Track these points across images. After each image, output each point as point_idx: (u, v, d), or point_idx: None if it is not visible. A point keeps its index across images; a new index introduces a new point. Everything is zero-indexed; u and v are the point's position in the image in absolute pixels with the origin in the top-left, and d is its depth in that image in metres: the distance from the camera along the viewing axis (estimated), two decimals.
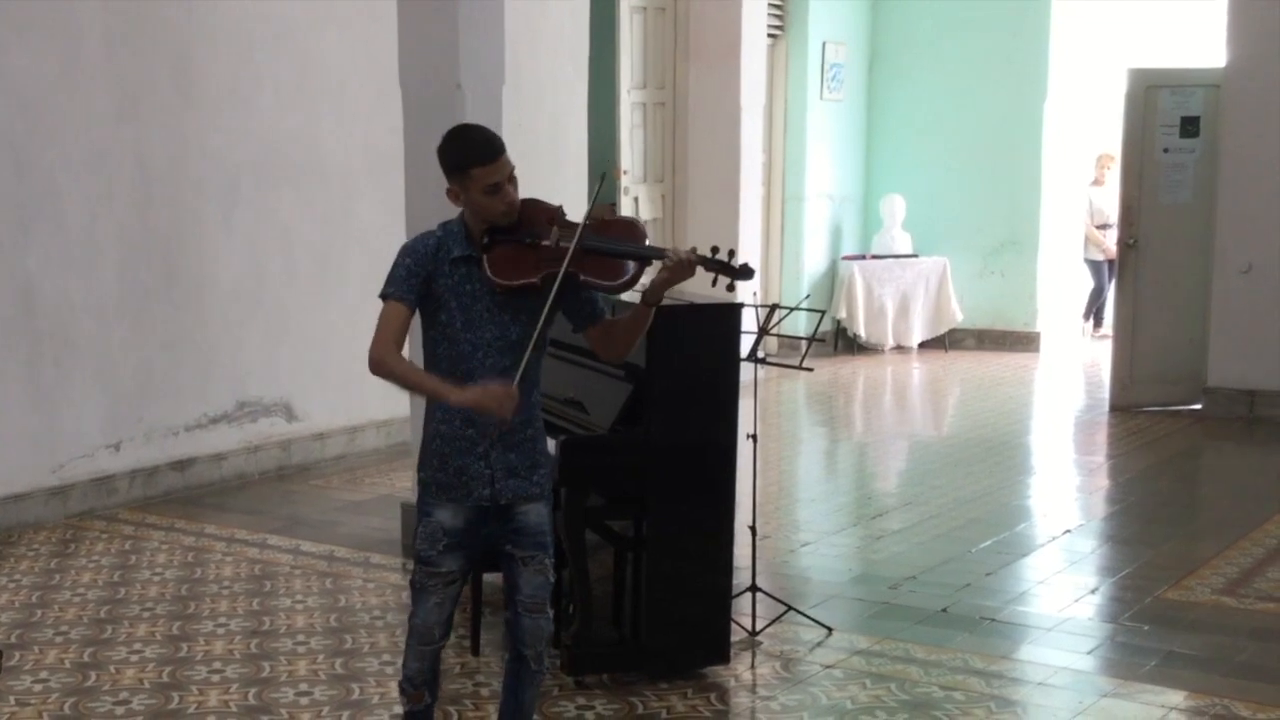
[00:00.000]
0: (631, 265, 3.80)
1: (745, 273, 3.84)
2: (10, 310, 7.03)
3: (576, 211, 3.86)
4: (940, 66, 13.36)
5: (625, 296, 4.15)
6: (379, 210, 8.42)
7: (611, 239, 3.81)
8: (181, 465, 7.85)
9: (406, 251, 3.77)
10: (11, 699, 4.85)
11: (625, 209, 11.26)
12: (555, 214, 3.82)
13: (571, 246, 3.70)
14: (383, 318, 3.71)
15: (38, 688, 4.96)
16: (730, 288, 3.87)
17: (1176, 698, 4.90)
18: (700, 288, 4.32)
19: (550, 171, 9.26)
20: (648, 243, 3.90)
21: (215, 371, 8.03)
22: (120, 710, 4.75)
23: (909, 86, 13.55)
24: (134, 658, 5.27)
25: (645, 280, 3.89)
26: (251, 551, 6.75)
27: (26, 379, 7.11)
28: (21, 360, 7.09)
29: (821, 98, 13.09)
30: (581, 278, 3.75)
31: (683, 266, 3.76)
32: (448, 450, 3.79)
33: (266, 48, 8.15)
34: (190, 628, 5.62)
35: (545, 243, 3.74)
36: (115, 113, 7.42)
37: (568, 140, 9.77)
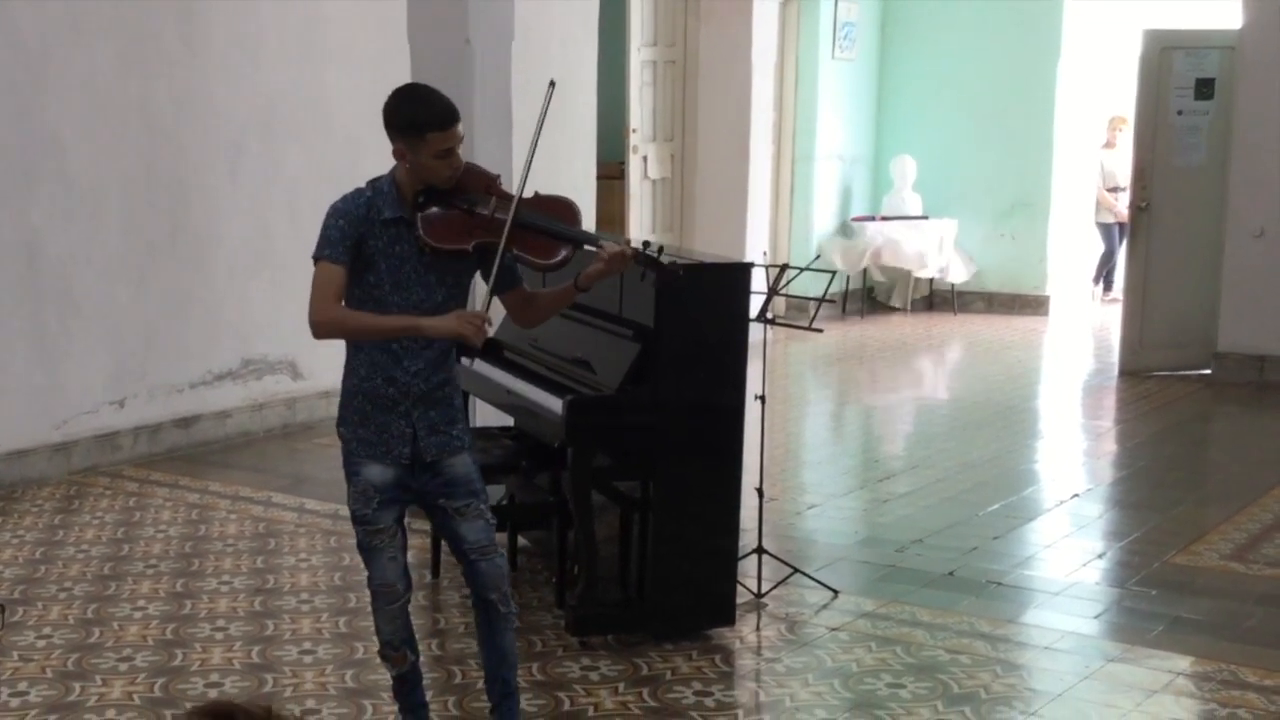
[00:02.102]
0: (564, 248, 3.80)
1: (674, 272, 3.93)
2: (14, 265, 6.99)
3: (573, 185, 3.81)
4: (953, 27, 13.23)
5: None
6: (386, 166, 8.27)
7: (547, 217, 3.81)
8: (186, 422, 7.83)
9: (338, 213, 3.74)
10: (15, 654, 4.84)
11: (634, 168, 11.21)
12: (492, 182, 3.83)
13: (508, 221, 3.71)
14: (318, 279, 3.70)
15: (41, 643, 4.96)
16: (656, 285, 3.94)
17: (1183, 663, 4.88)
18: (704, 244, 4.29)
19: (558, 129, 9.17)
20: (582, 226, 3.94)
21: (220, 328, 8.00)
22: (123, 667, 4.74)
23: (921, 46, 13.43)
24: (137, 614, 5.26)
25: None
26: (256, 509, 6.73)
27: (30, 334, 7.08)
28: (25, 316, 7.06)
29: (833, 57, 12.97)
30: (515, 251, 3.76)
31: (619, 259, 3.81)
32: (369, 407, 3.80)
33: (273, 1, 8.07)
34: (194, 585, 5.61)
35: (481, 210, 3.74)
36: (119, 67, 7.36)
37: (576, 98, 9.69)
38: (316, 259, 3.72)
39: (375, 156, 8.58)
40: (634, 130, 11.15)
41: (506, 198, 3.76)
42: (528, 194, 3.80)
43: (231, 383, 8.09)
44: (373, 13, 8.36)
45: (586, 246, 3.86)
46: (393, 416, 3.79)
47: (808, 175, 13.01)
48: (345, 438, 3.87)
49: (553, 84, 3.85)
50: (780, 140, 12.74)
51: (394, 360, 3.78)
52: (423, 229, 3.71)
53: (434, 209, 3.73)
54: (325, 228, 3.73)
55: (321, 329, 3.71)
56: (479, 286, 3.93)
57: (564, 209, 3.89)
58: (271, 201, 8.20)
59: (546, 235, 3.79)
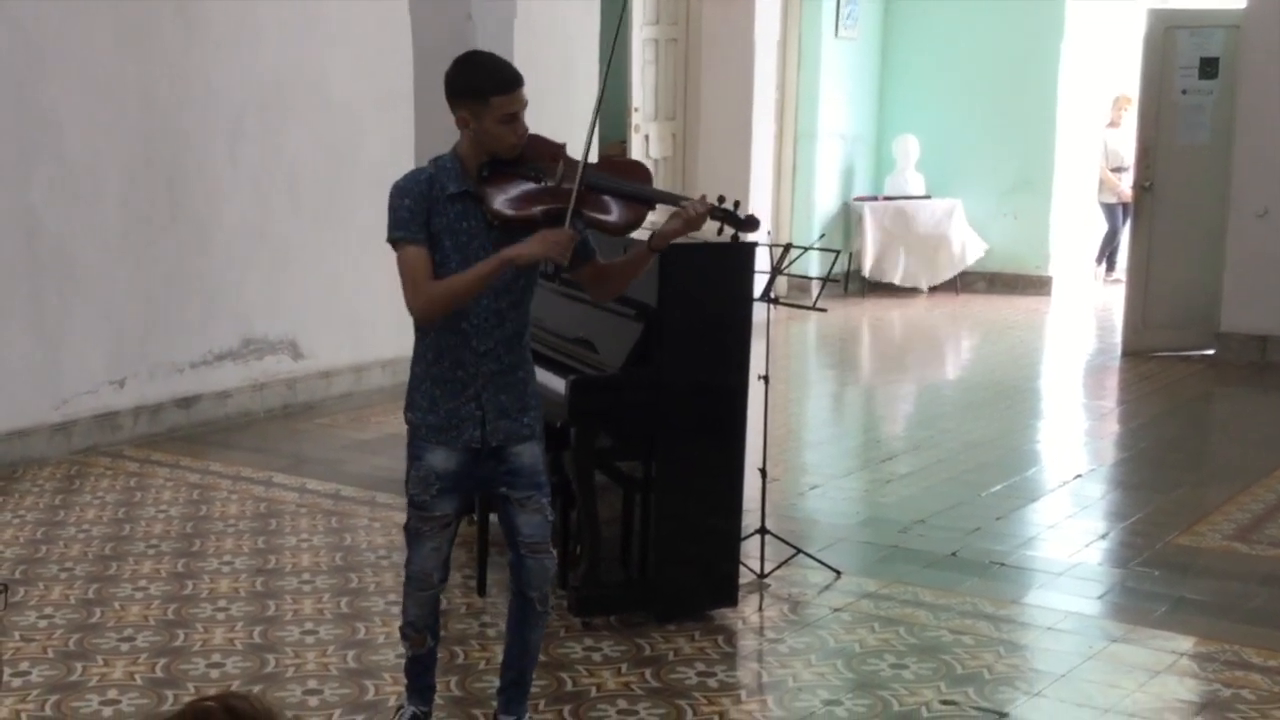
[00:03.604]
0: (638, 208, 3.73)
1: (752, 224, 3.81)
2: (13, 245, 6.96)
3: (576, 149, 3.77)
4: (956, 5, 13.16)
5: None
6: (387, 145, 8.31)
7: (618, 178, 3.74)
8: (186, 402, 7.81)
9: (403, 192, 3.67)
10: (16, 634, 4.83)
11: (635, 146, 11.17)
12: (559, 150, 3.74)
13: (576, 182, 3.61)
14: (405, 264, 3.63)
15: (42, 623, 4.95)
16: (735, 238, 3.84)
17: (1186, 643, 4.87)
18: (708, 226, 4.25)
19: (561, 106, 9.14)
20: (655, 186, 3.83)
21: (220, 308, 7.97)
22: (125, 647, 4.73)
23: (924, 25, 13.36)
24: (138, 595, 5.25)
25: (649, 223, 3.83)
26: (257, 490, 6.72)
27: (30, 314, 7.06)
28: (25, 295, 7.03)
29: (836, 36, 12.91)
30: (589, 214, 3.68)
31: (697, 217, 3.70)
32: (438, 393, 3.74)
33: None
34: (195, 565, 5.60)
35: (548, 178, 3.66)
36: (118, 45, 7.32)
37: (578, 75, 9.64)
38: (394, 242, 3.64)
39: (376, 135, 8.65)
40: (636, 109, 11.11)
41: (574, 163, 3.67)
42: (595, 160, 3.72)
43: (232, 363, 8.07)
44: None
45: (661, 205, 3.76)
46: (461, 400, 3.72)
47: (810, 154, 12.96)
48: (413, 423, 3.79)
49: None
50: (782, 119, 12.69)
51: (463, 341, 3.70)
52: (490, 200, 3.63)
53: (500, 179, 3.65)
54: (393, 209, 3.65)
55: (423, 313, 3.64)
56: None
57: (635, 169, 3.81)
58: (271, 180, 8.17)
59: (619, 196, 3.70)
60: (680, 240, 4.53)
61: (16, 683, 4.43)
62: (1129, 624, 5.04)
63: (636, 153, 11.17)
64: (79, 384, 7.29)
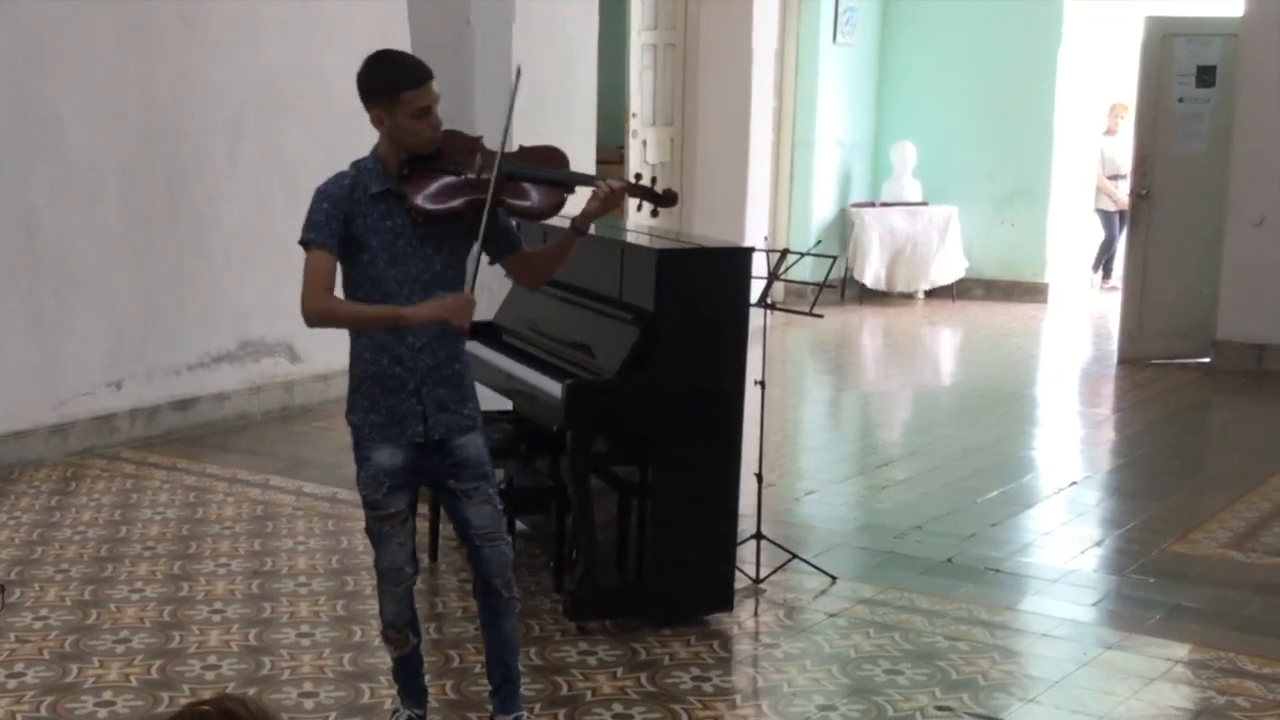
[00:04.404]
0: (557, 192, 3.77)
1: (669, 199, 3.88)
2: (12, 245, 6.97)
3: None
4: (954, 12, 13.18)
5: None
6: None
7: (536, 165, 3.78)
8: (183, 404, 7.81)
9: (322, 195, 3.72)
10: (12, 635, 4.83)
11: (633, 152, 11.18)
12: (476, 143, 3.80)
13: (494, 171, 3.66)
14: (309, 267, 3.69)
15: (38, 625, 4.95)
16: (654, 214, 3.92)
17: (1181, 651, 4.87)
18: (703, 229, 4.26)
19: (559, 111, 9.16)
20: (571, 169, 3.88)
21: (218, 310, 7.97)
22: (120, 649, 4.73)
23: (922, 32, 13.39)
24: (135, 596, 5.25)
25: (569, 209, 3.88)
26: (253, 492, 6.72)
27: (28, 315, 7.06)
28: (23, 296, 7.04)
29: (834, 42, 12.93)
30: (510, 201, 3.73)
31: (614, 195, 3.77)
32: (378, 391, 3.78)
33: None
34: (191, 568, 5.60)
35: (467, 170, 3.71)
36: (119, 44, 7.33)
37: (576, 81, 9.65)
38: (304, 244, 3.71)
39: (375, 136, 8.60)
40: (634, 114, 11.12)
41: (492, 155, 3.72)
42: (511, 150, 3.76)
43: (229, 365, 8.07)
44: None
45: (579, 186, 3.81)
46: (402, 397, 3.76)
47: (807, 161, 12.98)
48: (355, 424, 3.84)
49: (519, 70, 3.79)
50: (780, 125, 12.70)
51: (398, 338, 3.75)
52: (411, 197, 3.67)
53: (420, 176, 3.70)
54: (310, 212, 3.72)
55: (312, 318, 3.71)
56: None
57: (551, 155, 3.86)
58: (271, 181, 8.17)
59: (536, 182, 3.76)
60: (676, 245, 4.56)
61: (12, 684, 4.44)
62: (1124, 631, 5.05)
63: (634, 158, 11.18)
64: (76, 385, 7.29)
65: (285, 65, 8.15)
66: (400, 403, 3.77)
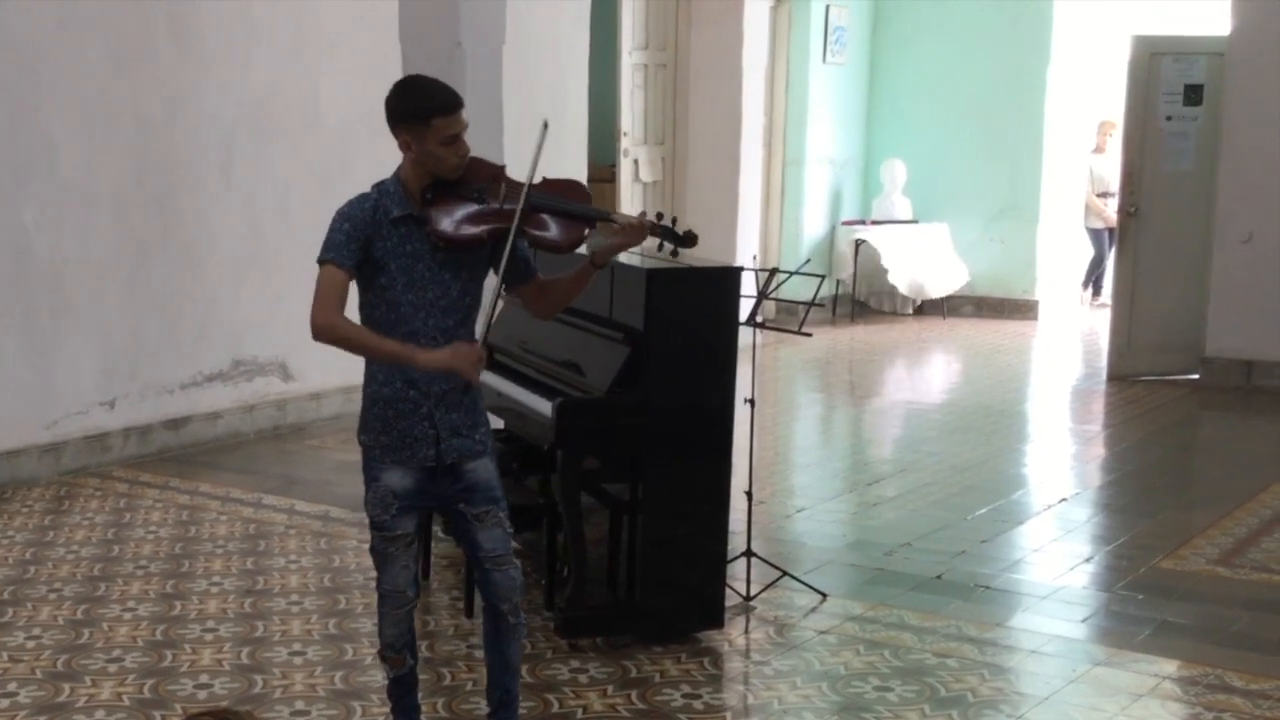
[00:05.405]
0: (580, 226, 3.79)
1: (690, 240, 3.90)
2: (5, 265, 6.99)
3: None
4: (944, 31, 13.26)
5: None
6: (377, 167, 8.17)
7: (558, 197, 3.80)
8: (176, 424, 7.82)
9: (344, 216, 3.71)
10: (4, 654, 4.85)
11: (625, 171, 11.23)
12: (500, 171, 3.81)
13: (520, 203, 3.67)
14: (321, 282, 3.66)
15: (30, 644, 4.96)
16: (674, 254, 3.93)
17: (1169, 667, 4.90)
18: (696, 250, 4.29)
19: (551, 131, 9.19)
20: (593, 204, 3.91)
21: (211, 329, 8.00)
22: (113, 668, 4.74)
23: (912, 51, 13.46)
24: (127, 615, 5.26)
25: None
26: (246, 511, 6.74)
27: (21, 334, 7.08)
28: (16, 315, 7.05)
29: (824, 61, 13.00)
30: (533, 233, 3.74)
31: (635, 230, 3.78)
32: (390, 413, 3.77)
33: (264, 0, 8.07)
34: (184, 586, 5.61)
35: (491, 199, 3.71)
36: (111, 66, 7.36)
37: (568, 101, 9.70)
38: (320, 262, 3.68)
39: (367, 157, 8.64)
40: (625, 134, 11.16)
41: (516, 185, 3.73)
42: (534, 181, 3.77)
43: (222, 384, 8.08)
44: (364, 13, 8.37)
45: (600, 222, 3.82)
46: (414, 420, 3.75)
47: (798, 179, 13.03)
48: (366, 445, 3.83)
49: (545, 124, 3.78)
50: (771, 144, 12.77)
51: None
52: (435, 222, 3.67)
53: (443, 202, 3.70)
54: (330, 231, 3.69)
55: (320, 333, 3.68)
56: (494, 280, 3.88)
57: (574, 189, 3.87)
58: (262, 202, 8.20)
59: (560, 216, 3.76)
60: (666, 265, 4.59)
61: (4, 704, 4.45)
62: (1113, 647, 5.08)
63: (625, 177, 11.23)
64: (69, 404, 7.30)
65: (277, 87, 8.18)
66: (412, 426, 3.76)
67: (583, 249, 3.90)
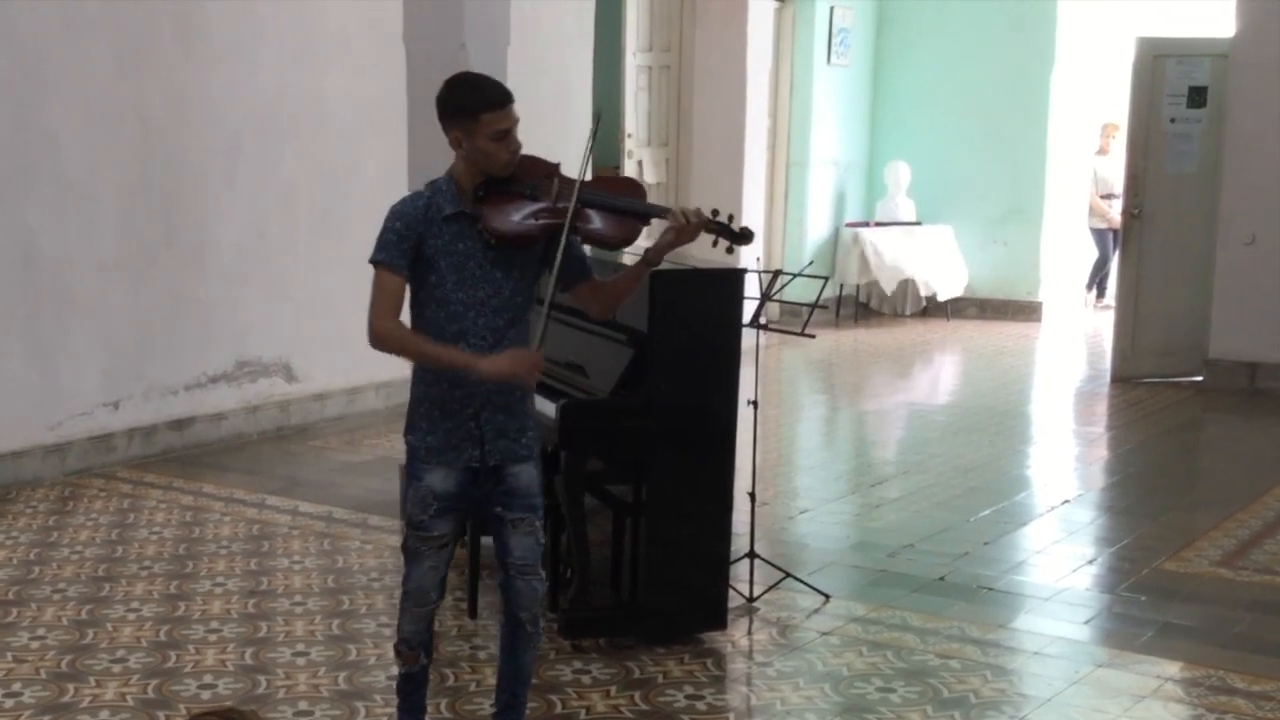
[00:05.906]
0: (632, 223, 3.77)
1: (746, 237, 3.85)
2: (9, 266, 7.00)
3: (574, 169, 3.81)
4: (948, 33, 13.27)
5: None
6: (382, 168, 8.35)
7: (612, 194, 3.78)
8: (180, 425, 7.84)
9: (396, 215, 3.69)
10: (9, 655, 4.86)
11: (629, 172, 11.22)
12: (554, 169, 3.77)
13: (573, 199, 3.64)
14: (378, 287, 3.65)
15: (35, 644, 4.97)
16: (730, 251, 3.87)
17: (1172, 668, 4.90)
18: (701, 251, 4.30)
19: (554, 134, 9.19)
20: (648, 201, 3.87)
21: (215, 330, 8.01)
22: (117, 668, 4.75)
23: (916, 53, 13.47)
24: (131, 616, 5.27)
25: (642, 240, 3.87)
26: (250, 512, 6.75)
27: (25, 335, 7.09)
28: (20, 317, 7.07)
29: (828, 63, 13.01)
30: (586, 228, 3.71)
31: (690, 228, 3.73)
32: (437, 413, 3.75)
33: (269, 1, 8.08)
34: (188, 587, 5.62)
35: (544, 196, 3.68)
36: (116, 67, 7.37)
37: (572, 102, 9.71)
38: (374, 263, 3.67)
39: (372, 158, 8.70)
40: (629, 135, 11.17)
41: (569, 182, 3.69)
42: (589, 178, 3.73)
43: (226, 385, 8.10)
44: (369, 14, 8.38)
45: (656, 219, 3.79)
46: (461, 420, 3.73)
47: (802, 181, 13.04)
48: (412, 444, 3.81)
49: (599, 116, 3.75)
50: (775, 146, 12.77)
51: None
52: (488, 219, 3.65)
53: (495, 199, 3.67)
54: (383, 230, 3.67)
55: (379, 341, 3.66)
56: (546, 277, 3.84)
57: (628, 186, 3.85)
58: (267, 203, 8.21)
59: (614, 212, 3.73)
60: (670, 266, 4.58)
61: (9, 704, 4.45)
62: (1115, 649, 5.08)
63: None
64: (73, 405, 7.31)
65: (282, 88, 8.19)
66: (458, 426, 3.74)
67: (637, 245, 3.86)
